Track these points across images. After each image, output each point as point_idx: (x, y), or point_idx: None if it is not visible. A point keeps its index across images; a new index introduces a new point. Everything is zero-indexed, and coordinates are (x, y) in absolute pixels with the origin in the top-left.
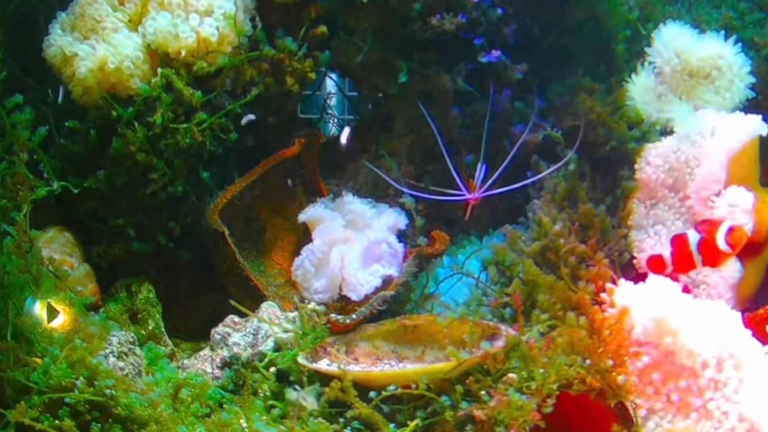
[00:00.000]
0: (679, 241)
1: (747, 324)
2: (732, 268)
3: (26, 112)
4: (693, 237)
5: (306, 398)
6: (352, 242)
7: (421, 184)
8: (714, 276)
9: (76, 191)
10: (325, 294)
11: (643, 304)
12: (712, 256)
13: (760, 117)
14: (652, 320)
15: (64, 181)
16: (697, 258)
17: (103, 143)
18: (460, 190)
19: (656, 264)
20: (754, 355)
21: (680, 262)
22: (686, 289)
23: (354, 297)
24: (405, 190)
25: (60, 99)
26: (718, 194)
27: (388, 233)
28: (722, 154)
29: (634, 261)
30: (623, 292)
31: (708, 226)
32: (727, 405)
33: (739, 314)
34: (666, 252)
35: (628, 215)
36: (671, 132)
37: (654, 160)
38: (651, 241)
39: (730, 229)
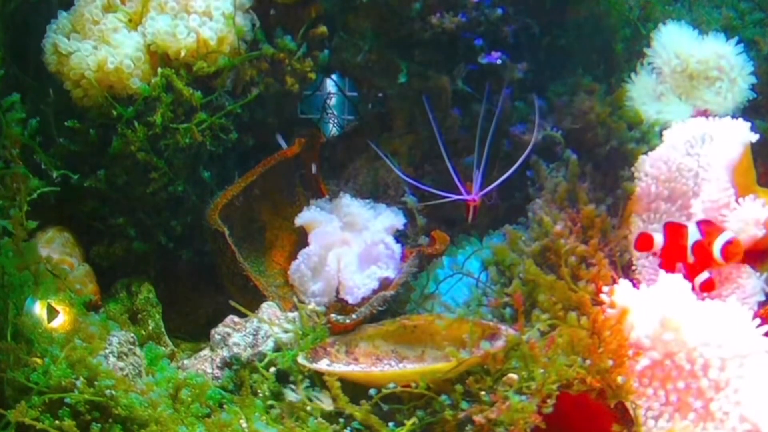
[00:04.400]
0: (674, 230)
1: None
2: (753, 287)
3: (18, 110)
4: (693, 232)
5: (322, 399)
6: (349, 245)
7: (425, 184)
8: (738, 292)
9: (75, 178)
10: (322, 297)
11: (649, 303)
12: (702, 261)
13: (748, 123)
14: (657, 319)
15: (64, 183)
16: (690, 256)
17: (103, 143)
18: (460, 191)
19: (644, 244)
20: (757, 355)
21: (671, 252)
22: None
23: (351, 300)
24: (416, 183)
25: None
26: (727, 204)
27: (385, 234)
28: (725, 164)
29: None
30: (623, 292)
31: (709, 229)
32: (728, 405)
33: (746, 314)
34: (658, 236)
35: (629, 217)
36: None
37: (650, 171)
38: (646, 261)
39: (728, 242)
